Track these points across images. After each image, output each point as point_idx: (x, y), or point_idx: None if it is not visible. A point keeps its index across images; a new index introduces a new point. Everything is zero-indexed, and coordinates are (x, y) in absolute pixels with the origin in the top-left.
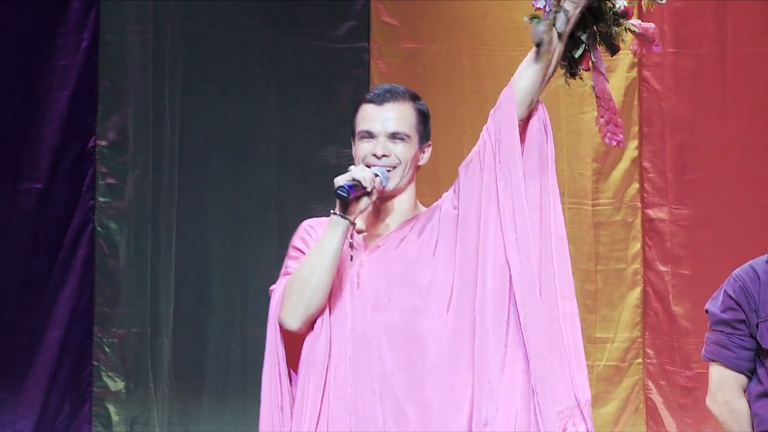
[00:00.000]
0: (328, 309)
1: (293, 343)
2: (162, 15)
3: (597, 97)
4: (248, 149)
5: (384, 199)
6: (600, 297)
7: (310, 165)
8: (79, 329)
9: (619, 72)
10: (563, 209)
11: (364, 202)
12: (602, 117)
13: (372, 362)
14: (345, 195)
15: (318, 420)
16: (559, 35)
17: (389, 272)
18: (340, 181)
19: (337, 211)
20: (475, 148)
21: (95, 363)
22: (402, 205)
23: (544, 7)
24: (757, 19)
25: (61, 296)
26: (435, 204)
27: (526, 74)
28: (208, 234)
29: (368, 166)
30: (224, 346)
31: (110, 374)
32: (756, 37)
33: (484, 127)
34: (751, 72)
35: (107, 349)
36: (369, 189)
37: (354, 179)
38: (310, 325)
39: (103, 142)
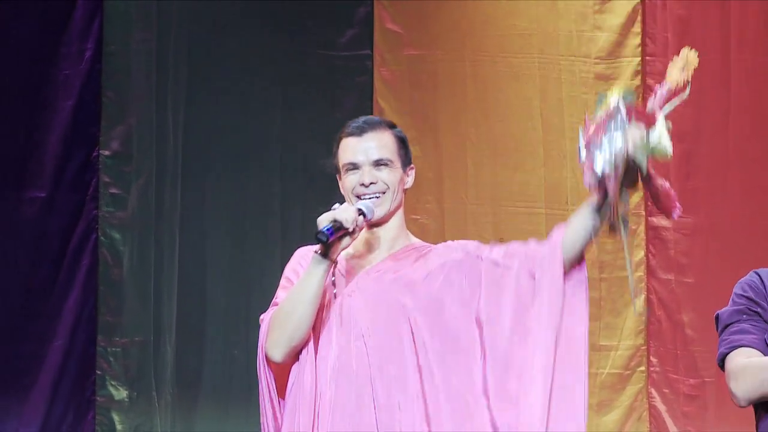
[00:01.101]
0: (313, 339)
1: (281, 371)
2: (165, 24)
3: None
4: (252, 157)
5: (374, 225)
6: (604, 305)
7: (314, 172)
8: (82, 338)
9: (622, 80)
10: (567, 215)
11: (346, 241)
12: (673, 213)
13: (351, 392)
14: (325, 239)
15: None
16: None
17: (375, 306)
18: (322, 222)
19: (318, 251)
20: (511, 261)
21: (99, 372)
22: (391, 232)
23: (604, 178)
24: (761, 27)
25: (64, 305)
26: (436, 249)
27: (577, 234)
28: (211, 243)
29: (359, 197)
30: (227, 354)
31: (113, 383)
32: (760, 45)
33: (523, 253)
34: (755, 80)
35: (110, 358)
36: (351, 229)
37: (336, 220)
38: (295, 356)
39: (107, 152)
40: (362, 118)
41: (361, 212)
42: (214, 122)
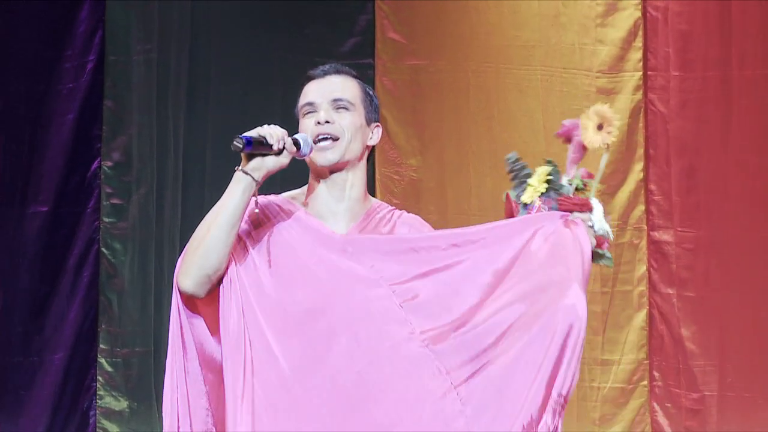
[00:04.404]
0: (244, 276)
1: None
2: (167, 34)
3: None
4: None
5: (331, 171)
6: (606, 319)
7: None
8: (83, 349)
9: (624, 94)
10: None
11: (271, 161)
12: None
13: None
14: (240, 146)
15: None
16: None
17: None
18: (247, 134)
19: (240, 166)
20: None
21: (99, 381)
22: (354, 190)
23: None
24: (761, 42)
25: (66, 317)
26: (400, 222)
27: None
28: None
29: (315, 142)
30: None
31: (114, 393)
32: (761, 60)
33: None
34: (755, 95)
35: (111, 369)
36: (276, 148)
37: (260, 135)
38: (209, 287)
39: (108, 163)
40: (329, 64)
41: (296, 142)
42: (215, 132)
